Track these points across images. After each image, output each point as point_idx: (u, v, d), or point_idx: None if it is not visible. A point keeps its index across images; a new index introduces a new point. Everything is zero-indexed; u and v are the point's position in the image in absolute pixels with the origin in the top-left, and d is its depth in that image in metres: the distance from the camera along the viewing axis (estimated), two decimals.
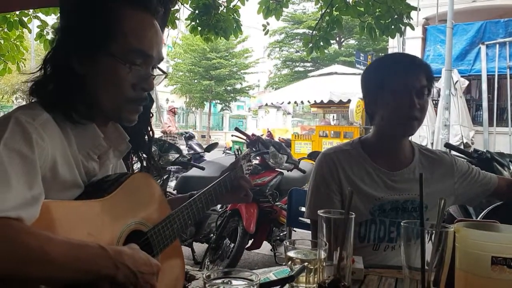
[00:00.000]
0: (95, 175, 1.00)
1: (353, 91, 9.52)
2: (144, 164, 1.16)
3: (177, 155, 3.82)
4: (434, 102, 9.67)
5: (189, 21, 4.15)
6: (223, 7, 4.09)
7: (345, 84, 10.75)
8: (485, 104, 9.89)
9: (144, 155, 1.16)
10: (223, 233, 3.50)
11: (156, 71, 1.04)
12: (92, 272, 0.78)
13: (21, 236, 0.73)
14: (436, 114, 9.31)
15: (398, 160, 1.51)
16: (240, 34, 4.37)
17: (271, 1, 4.08)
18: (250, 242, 3.65)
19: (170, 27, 3.99)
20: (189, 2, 3.97)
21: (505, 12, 10.30)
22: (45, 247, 0.74)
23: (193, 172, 3.96)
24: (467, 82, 9.66)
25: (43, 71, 0.97)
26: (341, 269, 0.92)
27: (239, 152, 1.49)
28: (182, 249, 1.16)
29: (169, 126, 8.53)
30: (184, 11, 4.10)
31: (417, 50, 10.72)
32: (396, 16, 3.80)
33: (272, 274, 1.07)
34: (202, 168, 3.81)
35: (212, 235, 3.75)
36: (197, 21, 4.05)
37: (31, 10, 4.15)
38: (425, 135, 9.26)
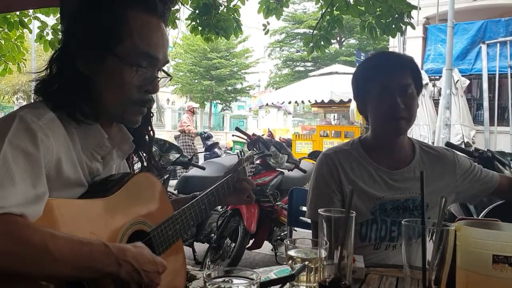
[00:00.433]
0: (99, 175, 1.00)
1: None
2: (145, 163, 1.16)
3: (177, 155, 3.82)
4: (435, 101, 9.67)
5: (189, 21, 4.14)
6: (223, 7, 4.08)
7: (345, 84, 10.67)
8: (486, 103, 9.86)
9: (145, 155, 1.16)
10: (224, 233, 3.50)
11: (161, 74, 1.04)
12: (94, 269, 0.78)
13: (25, 232, 0.73)
14: (437, 113, 9.31)
15: (398, 159, 1.50)
16: (241, 34, 4.37)
17: (271, 1, 4.07)
18: (251, 242, 3.64)
19: (170, 27, 3.98)
20: (189, 2, 3.96)
21: (505, 11, 10.29)
22: (48, 243, 0.74)
23: (194, 172, 3.97)
24: (468, 82, 9.64)
25: (48, 71, 0.97)
26: (341, 268, 0.91)
27: (242, 154, 1.48)
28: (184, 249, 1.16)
29: (188, 125, 8.56)
30: (184, 11, 4.10)
31: (418, 49, 10.71)
32: (396, 15, 3.80)
33: (273, 273, 1.07)
34: (203, 168, 3.82)
35: (213, 235, 3.75)
36: (198, 21, 4.05)
37: (30, 11, 4.15)
38: (426, 135, 9.27)
